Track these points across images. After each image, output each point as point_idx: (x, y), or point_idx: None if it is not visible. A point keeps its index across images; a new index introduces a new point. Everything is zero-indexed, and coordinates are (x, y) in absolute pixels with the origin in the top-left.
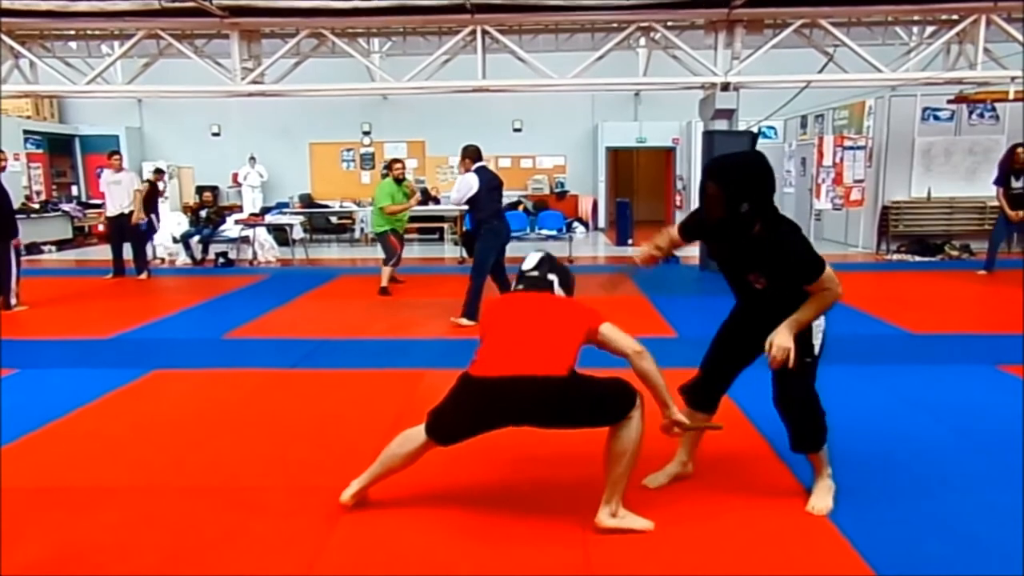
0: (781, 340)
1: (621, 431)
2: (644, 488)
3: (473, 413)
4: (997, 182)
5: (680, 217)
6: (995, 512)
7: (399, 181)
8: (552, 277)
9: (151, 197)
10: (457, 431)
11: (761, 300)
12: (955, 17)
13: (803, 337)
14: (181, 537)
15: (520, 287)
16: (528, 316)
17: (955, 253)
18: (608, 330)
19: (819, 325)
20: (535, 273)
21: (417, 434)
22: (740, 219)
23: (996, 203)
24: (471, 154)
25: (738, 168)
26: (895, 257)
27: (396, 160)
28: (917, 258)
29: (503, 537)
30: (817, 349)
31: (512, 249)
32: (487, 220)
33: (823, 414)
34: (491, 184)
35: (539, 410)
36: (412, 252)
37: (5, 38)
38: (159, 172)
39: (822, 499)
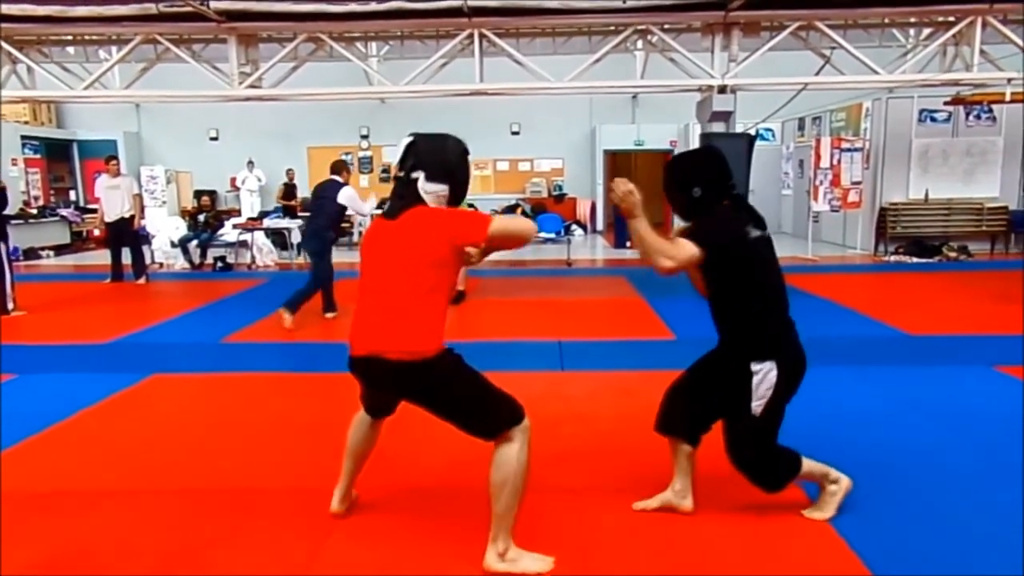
0: (627, 185)
1: (500, 456)
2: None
3: (363, 386)
4: None
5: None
6: (993, 512)
7: None
8: (417, 175)
9: (289, 195)
10: (369, 401)
11: (720, 315)
12: (951, 19)
13: (741, 398)
14: (180, 540)
15: (387, 207)
16: (384, 264)
17: (953, 254)
18: (500, 225)
19: (762, 386)
20: (400, 175)
21: (361, 414)
22: (695, 204)
23: (994, 205)
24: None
25: (684, 159)
26: (893, 258)
27: None
28: (915, 259)
29: None
30: (758, 411)
31: (512, 253)
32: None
33: (780, 457)
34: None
35: (406, 393)
36: None
37: (3, 43)
38: (291, 171)
39: (817, 508)
